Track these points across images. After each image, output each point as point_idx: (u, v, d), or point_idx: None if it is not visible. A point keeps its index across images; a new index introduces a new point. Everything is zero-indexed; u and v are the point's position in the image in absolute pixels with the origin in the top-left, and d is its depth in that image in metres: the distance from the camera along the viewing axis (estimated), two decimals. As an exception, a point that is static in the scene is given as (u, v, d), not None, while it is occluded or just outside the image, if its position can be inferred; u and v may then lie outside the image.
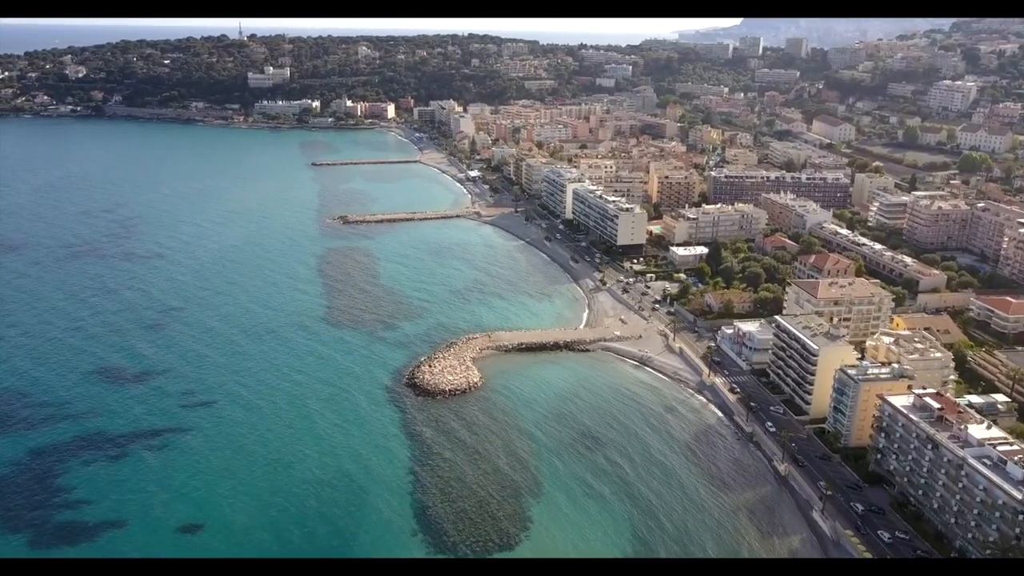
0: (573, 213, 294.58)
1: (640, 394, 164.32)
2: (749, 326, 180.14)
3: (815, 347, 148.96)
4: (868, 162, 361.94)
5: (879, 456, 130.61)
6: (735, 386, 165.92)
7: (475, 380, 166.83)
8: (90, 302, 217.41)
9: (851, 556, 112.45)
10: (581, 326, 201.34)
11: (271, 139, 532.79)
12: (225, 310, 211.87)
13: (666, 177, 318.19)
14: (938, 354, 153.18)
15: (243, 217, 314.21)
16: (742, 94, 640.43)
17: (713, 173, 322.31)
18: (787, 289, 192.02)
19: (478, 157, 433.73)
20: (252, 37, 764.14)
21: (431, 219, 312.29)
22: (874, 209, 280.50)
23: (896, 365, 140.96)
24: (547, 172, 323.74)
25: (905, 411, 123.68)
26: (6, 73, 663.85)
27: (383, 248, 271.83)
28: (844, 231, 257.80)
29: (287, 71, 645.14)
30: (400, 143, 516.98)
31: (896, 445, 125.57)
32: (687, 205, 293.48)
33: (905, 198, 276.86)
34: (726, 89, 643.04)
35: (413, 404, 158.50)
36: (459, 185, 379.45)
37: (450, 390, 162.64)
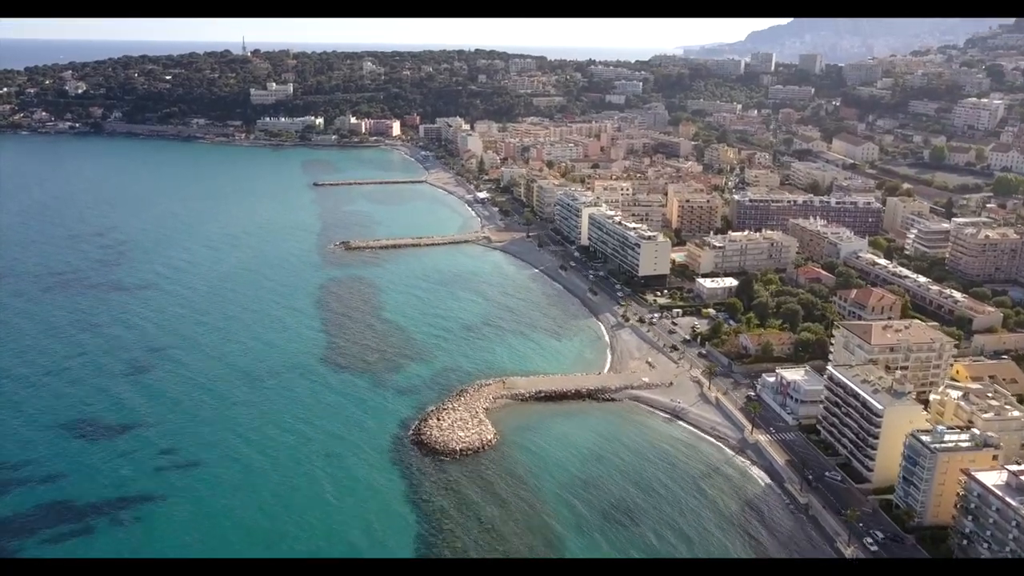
0: (589, 239, 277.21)
1: (676, 455, 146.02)
2: (793, 374, 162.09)
3: (879, 406, 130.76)
4: (897, 184, 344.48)
5: (965, 542, 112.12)
6: (782, 445, 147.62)
7: (489, 437, 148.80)
8: (74, 339, 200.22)
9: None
10: (605, 370, 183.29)
11: (272, 157, 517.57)
12: (219, 349, 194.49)
13: (687, 201, 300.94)
14: (1016, 412, 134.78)
15: (241, 242, 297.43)
16: (756, 111, 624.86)
17: (736, 197, 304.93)
18: (833, 331, 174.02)
19: (486, 177, 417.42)
20: (256, 52, 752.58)
21: (439, 245, 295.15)
22: (912, 237, 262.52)
23: (976, 432, 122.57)
24: (560, 195, 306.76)
25: (1000, 493, 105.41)
26: (5, 89, 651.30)
27: (388, 277, 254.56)
28: (882, 261, 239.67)
29: (290, 87, 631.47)
30: (405, 162, 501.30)
31: (989, 532, 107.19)
32: (712, 232, 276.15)
33: (946, 225, 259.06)
34: (739, 106, 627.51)
35: (420, 466, 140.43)
36: (467, 207, 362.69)
37: (461, 449, 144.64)
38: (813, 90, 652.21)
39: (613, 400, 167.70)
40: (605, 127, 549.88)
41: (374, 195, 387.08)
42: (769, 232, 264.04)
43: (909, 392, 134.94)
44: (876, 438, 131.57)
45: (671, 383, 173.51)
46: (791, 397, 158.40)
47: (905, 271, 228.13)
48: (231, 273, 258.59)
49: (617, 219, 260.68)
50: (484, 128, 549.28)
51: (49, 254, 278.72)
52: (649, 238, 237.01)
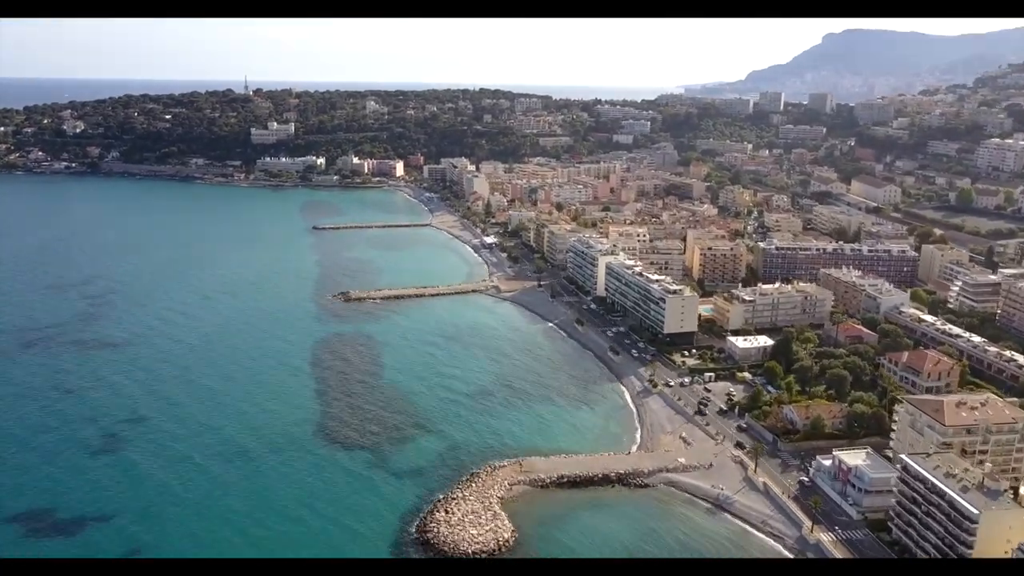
0: (606, 290, 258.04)
1: (725, 557, 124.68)
2: (853, 457, 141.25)
3: (973, 510, 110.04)
4: (928, 230, 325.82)
5: None
6: (848, 546, 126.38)
7: (506, 536, 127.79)
8: (45, 409, 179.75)
9: None
10: (634, 448, 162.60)
11: (272, 198, 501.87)
12: (209, 417, 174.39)
13: (709, 249, 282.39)
14: None
15: (235, 291, 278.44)
16: (767, 151, 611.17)
17: (762, 244, 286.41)
18: (892, 404, 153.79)
19: (493, 221, 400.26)
20: (257, 91, 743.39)
21: (445, 295, 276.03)
22: (956, 289, 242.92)
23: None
24: (574, 242, 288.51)
25: None
26: (1, 128, 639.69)
27: (389, 333, 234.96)
28: (928, 317, 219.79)
29: (292, 126, 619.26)
30: (409, 204, 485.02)
31: None
32: (739, 283, 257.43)
33: (994, 277, 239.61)
34: (750, 146, 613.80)
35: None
36: (474, 253, 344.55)
37: (474, 552, 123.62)
38: (824, 130, 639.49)
39: (646, 486, 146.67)
40: (614, 168, 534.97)
41: (376, 240, 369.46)
42: (802, 284, 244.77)
43: (1006, 491, 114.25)
44: (970, 547, 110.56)
45: (711, 464, 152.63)
46: (853, 486, 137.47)
47: (956, 330, 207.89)
48: (224, 327, 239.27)
49: (637, 269, 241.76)
50: (490, 169, 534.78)
51: (28, 306, 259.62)
52: (675, 292, 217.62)
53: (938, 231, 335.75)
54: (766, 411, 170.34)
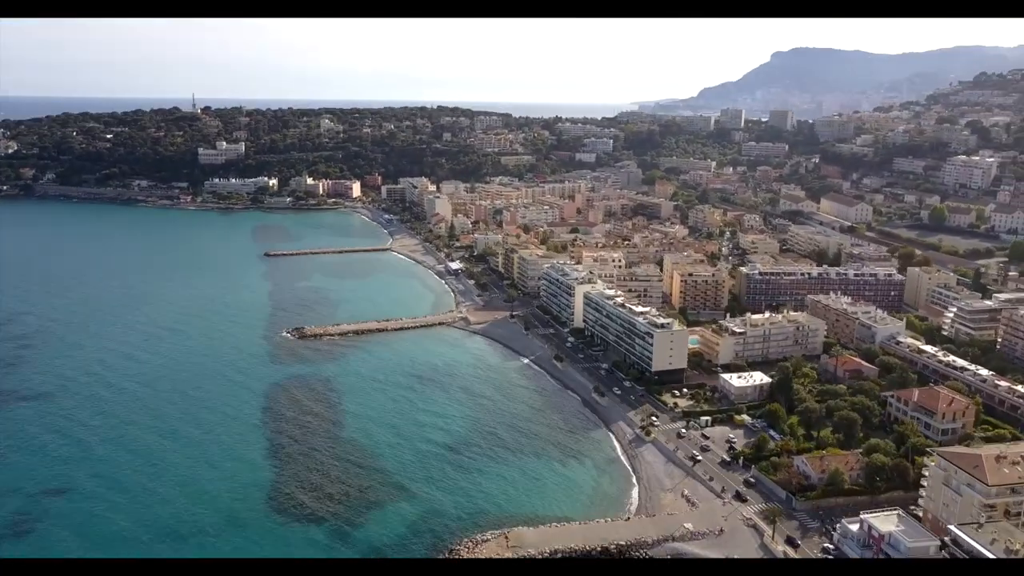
0: (585, 322, 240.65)
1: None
2: (885, 522, 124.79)
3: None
4: (909, 251, 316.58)
5: None
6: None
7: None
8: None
9: None
10: (633, 509, 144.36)
11: (221, 223, 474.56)
12: (141, 489, 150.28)
13: (690, 275, 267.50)
14: None
15: (179, 328, 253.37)
16: (731, 168, 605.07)
17: (744, 269, 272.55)
18: (921, 458, 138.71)
19: (458, 244, 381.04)
20: (206, 109, 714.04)
21: (409, 329, 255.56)
22: (950, 316, 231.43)
23: None
24: (547, 269, 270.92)
25: None
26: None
27: (349, 376, 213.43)
28: (927, 348, 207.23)
29: (242, 146, 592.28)
30: (367, 227, 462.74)
31: None
32: (724, 312, 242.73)
33: (990, 303, 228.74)
34: (713, 164, 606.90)
35: None
36: (439, 280, 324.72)
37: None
38: (787, 147, 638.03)
39: (650, 558, 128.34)
40: (579, 187, 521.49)
41: (333, 267, 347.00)
42: (792, 313, 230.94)
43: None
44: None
45: (721, 530, 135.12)
46: (887, 556, 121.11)
47: (961, 362, 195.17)
48: (168, 371, 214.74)
49: (619, 300, 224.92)
50: (451, 189, 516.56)
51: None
52: (663, 326, 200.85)
53: (918, 251, 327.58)
54: (775, 462, 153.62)
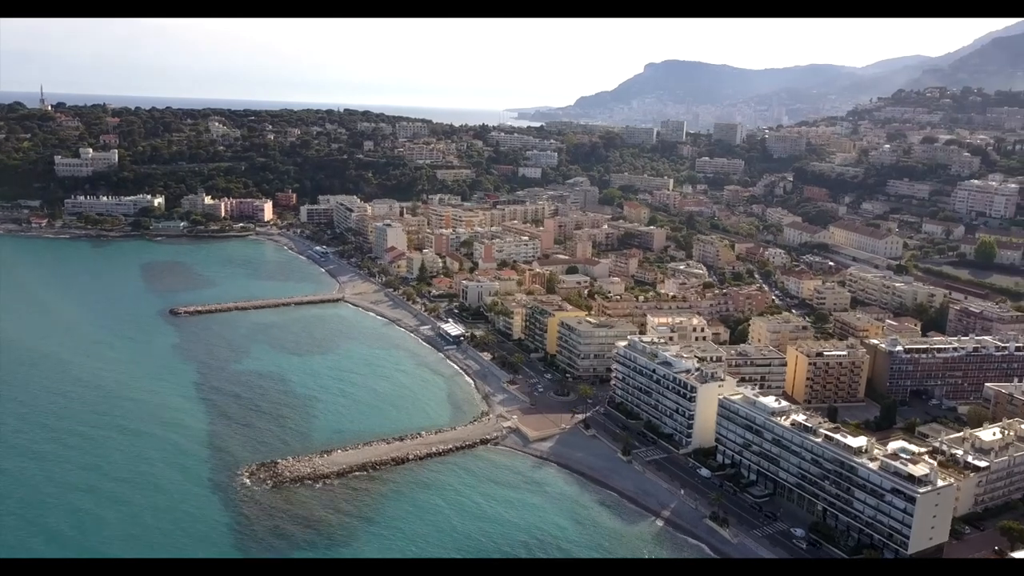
0: (722, 443, 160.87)
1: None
2: None
3: None
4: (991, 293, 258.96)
5: None
6: None
7: None
8: None
9: None
10: None
11: (95, 258, 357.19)
12: None
13: (818, 356, 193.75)
14: None
15: (46, 474, 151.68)
16: (690, 186, 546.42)
17: (883, 345, 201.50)
18: None
19: (435, 293, 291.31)
20: (59, 107, 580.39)
21: (438, 456, 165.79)
22: None
23: None
24: (625, 350, 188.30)
25: None
26: None
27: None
28: None
29: (114, 154, 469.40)
30: (295, 263, 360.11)
31: None
32: (869, 412, 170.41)
33: None
34: (671, 181, 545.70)
35: None
36: (435, 351, 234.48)
37: None
38: (743, 163, 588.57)
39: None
40: (542, 209, 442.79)
41: (276, 331, 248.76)
42: (1011, 421, 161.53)
43: None
44: None
45: None
46: None
47: None
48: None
49: (797, 419, 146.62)
50: (384, 208, 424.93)
51: None
52: (924, 479, 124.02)
53: (1002, 299, 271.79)
54: None
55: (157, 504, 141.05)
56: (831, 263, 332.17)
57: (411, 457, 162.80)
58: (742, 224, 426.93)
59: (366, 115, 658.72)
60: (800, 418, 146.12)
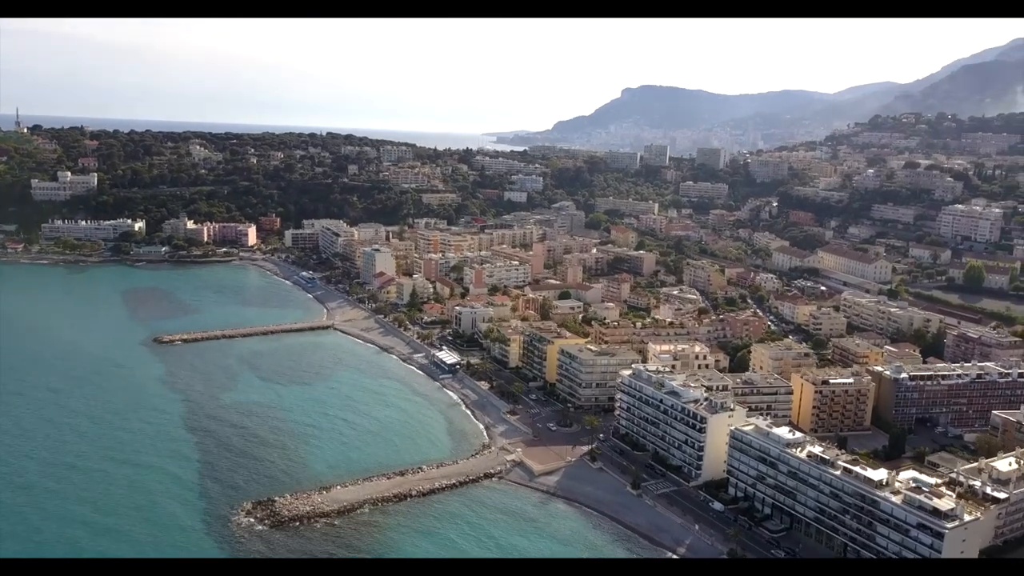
0: (733, 475, 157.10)
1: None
2: None
3: None
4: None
5: None
6: None
7: None
8: None
9: None
10: None
11: (74, 284, 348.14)
12: None
13: (824, 383, 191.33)
14: None
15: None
16: (675, 211, 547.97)
17: (887, 372, 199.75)
18: None
19: (427, 320, 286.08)
20: (35, 129, 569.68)
21: (442, 491, 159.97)
22: None
23: None
24: (630, 379, 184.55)
25: None
26: None
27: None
28: None
29: (93, 178, 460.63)
30: (280, 288, 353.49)
31: None
32: (877, 443, 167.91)
33: None
34: (656, 205, 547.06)
35: None
36: (429, 381, 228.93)
37: None
38: (727, 187, 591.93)
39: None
40: (530, 234, 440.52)
41: (264, 360, 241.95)
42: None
43: None
44: None
45: None
46: None
47: None
48: None
49: (814, 449, 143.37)
50: (370, 233, 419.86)
51: None
52: (946, 514, 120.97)
53: (995, 323, 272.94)
54: None
55: (159, 542, 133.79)
56: (823, 288, 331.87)
57: (414, 493, 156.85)
58: (730, 248, 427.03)
59: (349, 139, 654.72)
60: (816, 449, 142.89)
